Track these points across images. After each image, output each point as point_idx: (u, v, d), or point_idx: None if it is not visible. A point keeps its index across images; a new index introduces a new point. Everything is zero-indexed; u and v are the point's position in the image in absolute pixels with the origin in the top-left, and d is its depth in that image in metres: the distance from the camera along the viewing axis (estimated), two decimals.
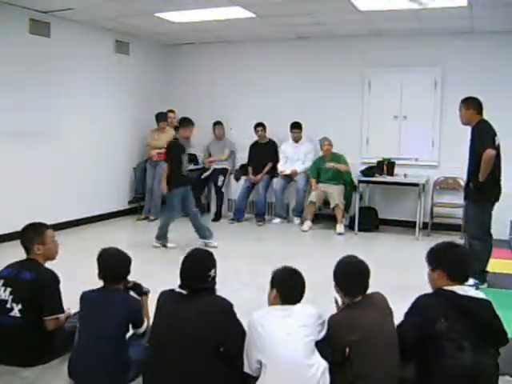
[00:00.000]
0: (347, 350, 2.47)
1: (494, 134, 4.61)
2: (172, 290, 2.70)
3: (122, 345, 2.87)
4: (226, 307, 2.63)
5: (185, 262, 2.73)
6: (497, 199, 4.75)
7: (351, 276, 2.64)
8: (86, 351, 2.79)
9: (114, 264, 2.94)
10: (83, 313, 2.92)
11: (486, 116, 6.71)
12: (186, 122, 6.00)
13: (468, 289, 2.50)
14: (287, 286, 2.60)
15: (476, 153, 4.56)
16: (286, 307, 2.55)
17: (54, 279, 3.12)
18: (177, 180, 5.84)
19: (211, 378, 2.54)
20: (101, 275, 2.92)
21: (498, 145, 4.63)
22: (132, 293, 3.16)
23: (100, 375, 2.75)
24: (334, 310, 2.74)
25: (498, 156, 4.61)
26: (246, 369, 2.53)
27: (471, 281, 4.48)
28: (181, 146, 5.94)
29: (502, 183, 6.59)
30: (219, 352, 2.57)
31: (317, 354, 2.48)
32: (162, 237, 5.98)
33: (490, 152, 4.42)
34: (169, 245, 6.00)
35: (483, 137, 4.53)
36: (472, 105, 4.71)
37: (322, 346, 2.51)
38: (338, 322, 2.55)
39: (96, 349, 2.75)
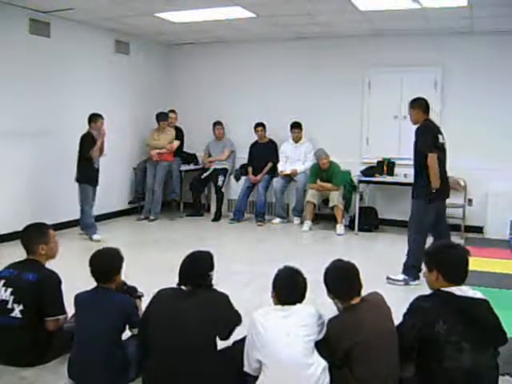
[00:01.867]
0: (347, 352, 2.47)
1: (438, 133, 4.70)
2: (172, 288, 2.73)
3: (118, 344, 2.87)
4: (223, 298, 2.71)
5: (186, 262, 2.77)
6: (445, 196, 4.83)
7: (343, 280, 2.63)
8: (84, 352, 2.80)
9: (101, 263, 2.95)
10: (78, 314, 2.94)
11: (486, 116, 6.79)
12: (95, 116, 6.24)
13: (466, 289, 2.49)
14: (282, 287, 2.60)
15: (419, 152, 4.66)
16: (286, 307, 2.54)
17: (55, 280, 3.12)
18: (87, 174, 6.20)
19: (210, 376, 2.55)
20: (92, 273, 2.94)
21: (443, 144, 4.73)
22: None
23: (98, 375, 2.76)
24: (333, 310, 2.73)
25: (443, 154, 4.71)
26: (246, 368, 2.54)
27: (401, 276, 4.71)
28: (93, 139, 6.17)
29: (504, 183, 6.65)
30: (218, 350, 2.59)
31: (316, 354, 2.48)
32: (86, 227, 6.33)
33: (433, 156, 4.54)
34: (94, 237, 6.24)
35: (425, 137, 4.62)
36: (417, 105, 4.82)
37: (321, 347, 2.51)
38: (337, 327, 2.54)
39: (93, 349, 2.76)
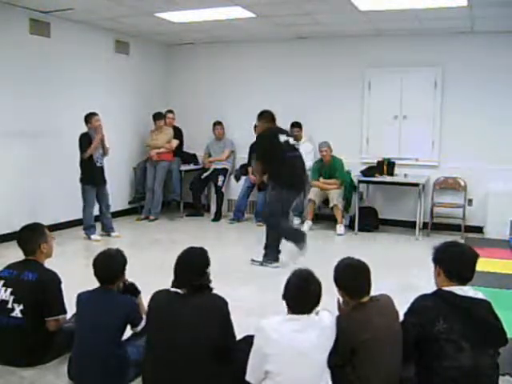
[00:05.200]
0: (353, 350, 2.46)
1: (278, 134, 5.23)
2: (167, 290, 2.66)
3: (119, 345, 2.87)
4: (222, 306, 2.62)
5: (181, 259, 2.70)
6: (291, 186, 5.29)
7: (356, 278, 2.59)
8: (84, 352, 2.80)
9: (106, 265, 2.94)
10: (80, 314, 2.94)
11: (486, 116, 6.79)
12: (89, 116, 6.27)
13: (467, 289, 2.49)
14: (294, 297, 2.44)
15: (257, 156, 5.56)
16: (300, 318, 2.39)
17: (56, 280, 3.12)
18: (88, 175, 6.23)
19: (209, 380, 2.53)
20: (96, 276, 2.94)
21: (286, 141, 5.23)
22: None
23: (98, 375, 2.76)
24: (335, 312, 2.72)
25: (291, 152, 5.26)
26: (249, 377, 2.43)
27: (262, 258, 5.29)
28: (89, 139, 6.22)
29: (504, 183, 6.65)
30: (216, 353, 2.55)
31: (326, 372, 2.39)
32: (85, 227, 6.37)
33: (257, 166, 5.57)
34: (93, 237, 6.31)
35: (261, 148, 5.41)
36: (263, 118, 5.46)
37: None
38: (346, 323, 2.51)
39: (93, 349, 2.76)
